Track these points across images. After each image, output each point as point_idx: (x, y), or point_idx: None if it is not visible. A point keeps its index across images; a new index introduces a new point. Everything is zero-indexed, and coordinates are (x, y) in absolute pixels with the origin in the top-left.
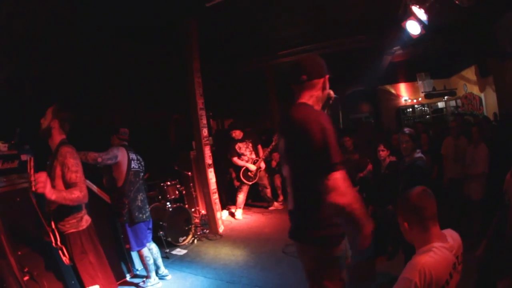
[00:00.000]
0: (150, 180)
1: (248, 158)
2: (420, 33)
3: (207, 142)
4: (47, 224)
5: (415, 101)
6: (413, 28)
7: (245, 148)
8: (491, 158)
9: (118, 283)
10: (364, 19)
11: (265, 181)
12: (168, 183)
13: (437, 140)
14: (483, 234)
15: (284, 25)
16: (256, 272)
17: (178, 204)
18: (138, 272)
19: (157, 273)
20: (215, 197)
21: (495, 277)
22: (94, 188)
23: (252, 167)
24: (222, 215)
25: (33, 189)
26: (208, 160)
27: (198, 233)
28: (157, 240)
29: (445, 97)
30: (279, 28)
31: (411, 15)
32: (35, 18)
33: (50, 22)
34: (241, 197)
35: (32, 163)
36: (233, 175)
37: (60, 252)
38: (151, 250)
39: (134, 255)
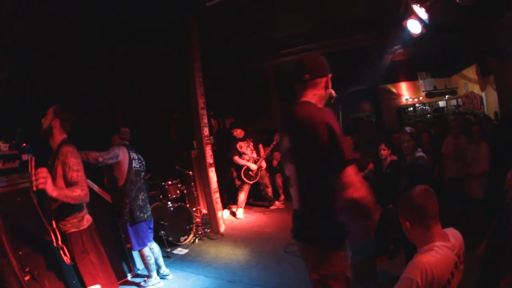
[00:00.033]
0: (151, 179)
1: (249, 157)
2: (421, 32)
3: (208, 141)
4: (48, 224)
5: (416, 100)
6: (414, 27)
7: (246, 147)
8: (492, 157)
9: (119, 282)
10: (365, 18)
11: (266, 180)
12: (169, 182)
13: (438, 139)
14: (484, 233)
15: (284, 24)
16: (257, 272)
17: (179, 203)
18: (139, 272)
19: (158, 272)
20: (216, 196)
21: (498, 275)
22: (95, 187)
23: (253, 166)
24: (223, 215)
25: (34, 188)
26: (209, 159)
27: (199, 233)
28: (158, 240)
29: (446, 96)
30: (280, 28)
31: (412, 14)
32: (35, 19)
33: (50, 22)
34: (242, 196)
35: (33, 163)
36: (234, 174)
37: (61, 251)
38: (152, 250)
39: (135, 254)
